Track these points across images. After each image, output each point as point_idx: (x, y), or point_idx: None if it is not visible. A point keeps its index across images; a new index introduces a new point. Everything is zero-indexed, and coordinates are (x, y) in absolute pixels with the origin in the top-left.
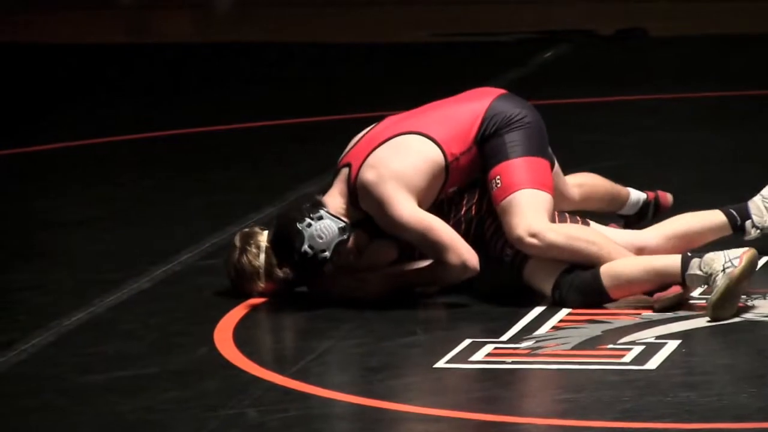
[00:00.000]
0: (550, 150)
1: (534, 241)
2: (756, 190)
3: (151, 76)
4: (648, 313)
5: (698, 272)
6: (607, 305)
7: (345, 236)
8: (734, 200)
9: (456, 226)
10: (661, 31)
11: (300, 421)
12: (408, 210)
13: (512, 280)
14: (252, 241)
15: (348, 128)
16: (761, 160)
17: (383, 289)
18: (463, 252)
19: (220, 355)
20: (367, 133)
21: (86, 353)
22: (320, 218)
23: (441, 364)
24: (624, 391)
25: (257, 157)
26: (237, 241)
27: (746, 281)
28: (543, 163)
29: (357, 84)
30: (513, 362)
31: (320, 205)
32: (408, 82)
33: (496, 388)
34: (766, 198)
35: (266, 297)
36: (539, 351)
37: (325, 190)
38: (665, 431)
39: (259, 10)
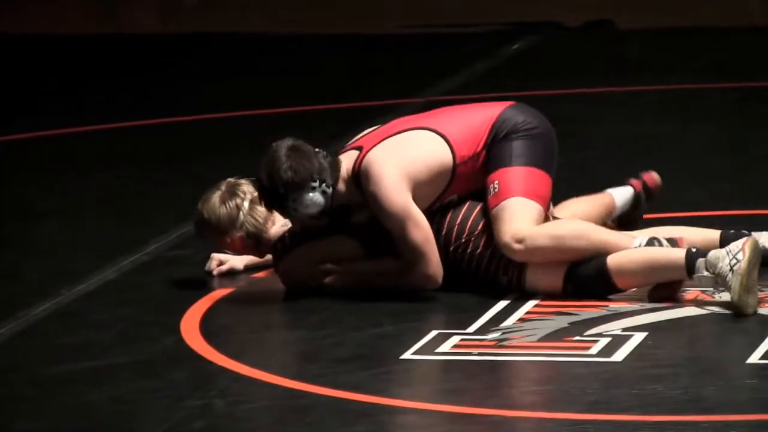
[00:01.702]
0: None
1: (520, 246)
2: (724, 182)
3: (122, 66)
4: (615, 305)
5: (706, 273)
6: (613, 296)
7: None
8: (703, 193)
9: (436, 235)
10: (629, 23)
11: (267, 412)
12: (399, 198)
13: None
14: (238, 189)
15: (320, 118)
16: (729, 152)
17: (345, 282)
18: (433, 263)
19: (187, 345)
20: (380, 126)
21: (54, 343)
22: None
23: (408, 355)
24: (590, 383)
25: (231, 147)
26: (222, 185)
27: (756, 269)
28: (542, 175)
29: (324, 75)
30: (479, 354)
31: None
32: (376, 74)
33: (463, 379)
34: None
35: (230, 251)
36: (506, 343)
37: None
38: (631, 424)
39: (224, 1)
